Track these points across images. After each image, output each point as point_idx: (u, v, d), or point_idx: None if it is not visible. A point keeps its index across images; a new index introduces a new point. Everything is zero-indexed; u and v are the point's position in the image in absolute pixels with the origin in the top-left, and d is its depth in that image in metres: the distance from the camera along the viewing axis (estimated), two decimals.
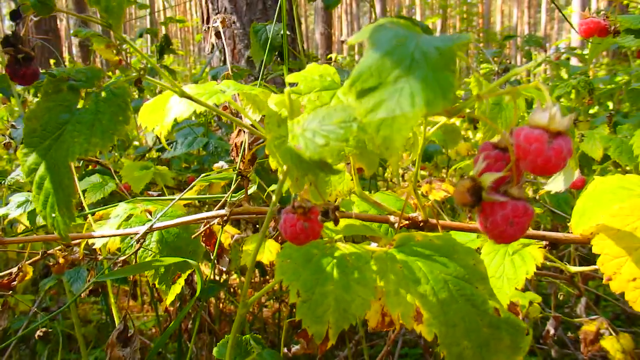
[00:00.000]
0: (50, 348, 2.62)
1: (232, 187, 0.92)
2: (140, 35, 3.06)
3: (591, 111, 3.13)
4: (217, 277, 2.04)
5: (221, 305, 2.49)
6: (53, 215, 0.51)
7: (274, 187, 1.26)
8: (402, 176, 3.28)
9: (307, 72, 0.65)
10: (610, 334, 1.51)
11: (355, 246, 0.58)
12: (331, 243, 0.58)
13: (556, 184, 0.71)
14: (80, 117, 0.52)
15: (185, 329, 1.59)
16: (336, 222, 0.49)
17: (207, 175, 1.04)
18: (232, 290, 2.62)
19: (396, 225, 0.82)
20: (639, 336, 2.40)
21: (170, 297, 1.00)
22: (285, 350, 1.48)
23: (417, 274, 0.56)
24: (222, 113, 0.70)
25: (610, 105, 3.03)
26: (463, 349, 0.54)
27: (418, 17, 19.63)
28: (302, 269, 0.54)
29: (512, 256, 0.97)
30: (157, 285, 0.98)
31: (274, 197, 0.54)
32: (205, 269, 1.62)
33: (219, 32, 1.09)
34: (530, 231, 0.85)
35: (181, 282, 1.02)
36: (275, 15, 1.32)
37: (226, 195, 0.93)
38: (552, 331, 1.61)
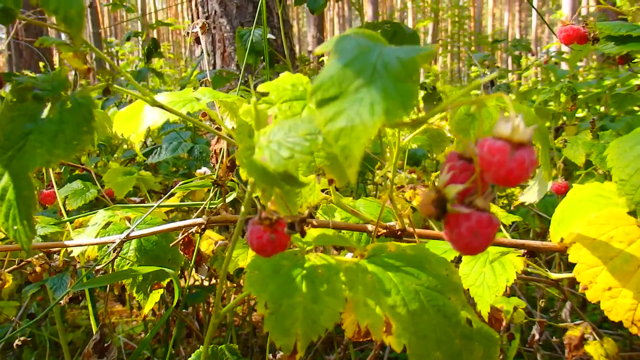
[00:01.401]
0: (37, 354, 2.59)
1: (210, 195, 0.91)
2: (128, 39, 3.05)
3: (580, 114, 3.15)
4: (206, 283, 2.03)
5: (211, 309, 2.47)
6: (15, 227, 0.50)
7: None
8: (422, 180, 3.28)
9: (279, 81, 0.65)
10: (595, 339, 1.51)
11: (326, 257, 0.57)
12: (302, 254, 0.58)
13: (530, 194, 0.71)
14: (44, 127, 0.51)
15: (170, 334, 1.58)
16: (302, 234, 0.48)
17: (186, 183, 1.03)
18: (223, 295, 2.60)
19: (374, 234, 0.81)
20: (627, 339, 2.41)
21: (148, 306, 0.99)
22: (271, 356, 1.47)
23: (388, 285, 0.55)
24: (195, 121, 0.69)
25: (602, 109, 3.05)
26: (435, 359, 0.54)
27: (410, 21, 19.71)
28: (270, 280, 0.53)
29: (492, 264, 0.96)
30: (134, 294, 0.97)
31: (242, 208, 0.54)
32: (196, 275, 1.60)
33: (199, 37, 1.09)
34: (509, 239, 0.85)
35: (160, 290, 1.01)
36: (256, 19, 1.32)
37: (204, 202, 0.92)
38: (537, 336, 1.61)
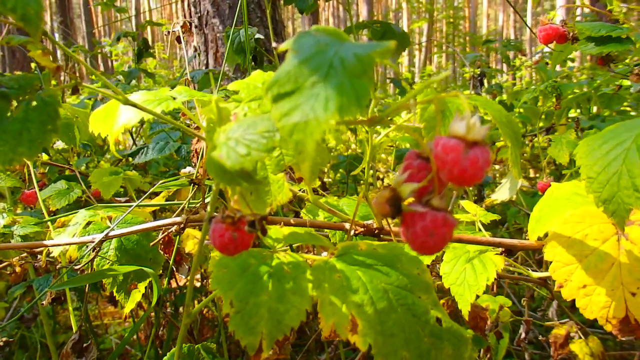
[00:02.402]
0: (27, 356, 2.58)
1: (190, 194, 0.91)
2: (118, 39, 3.04)
3: (573, 115, 3.15)
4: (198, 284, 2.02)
5: (205, 311, 2.47)
6: None
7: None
8: (382, 179, 3.28)
9: (250, 79, 0.65)
10: (580, 338, 1.51)
11: (294, 255, 0.57)
12: (271, 252, 0.58)
13: (502, 192, 0.71)
14: (8, 126, 0.51)
15: (157, 335, 1.57)
16: (263, 233, 0.48)
17: (165, 182, 1.02)
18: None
19: (351, 232, 0.81)
20: (617, 339, 2.42)
21: (129, 305, 0.99)
22: None
23: (356, 283, 0.55)
24: (169, 120, 0.69)
25: (595, 109, 3.05)
26: (401, 359, 0.54)
27: (405, 21, 19.71)
28: (237, 278, 0.53)
29: (473, 263, 0.97)
30: (115, 294, 0.97)
31: (208, 207, 0.53)
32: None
33: (179, 37, 1.08)
34: (487, 238, 0.85)
35: (141, 289, 1.01)
36: (243, 19, 1.31)
37: (184, 202, 0.92)
38: (523, 335, 1.61)
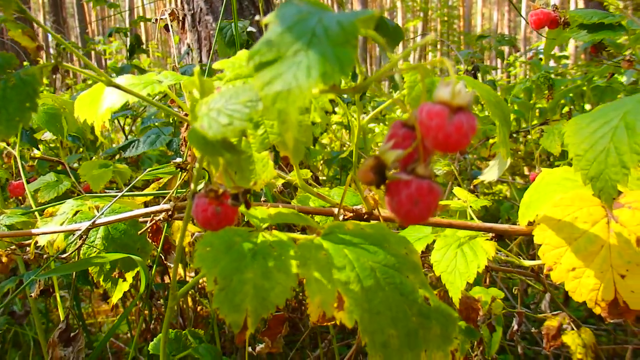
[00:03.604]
0: (21, 354, 2.56)
1: (178, 182, 0.90)
2: (110, 35, 3.02)
3: (566, 109, 3.16)
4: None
5: (199, 308, 2.45)
6: None
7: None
8: None
9: (236, 58, 0.64)
10: (573, 329, 1.51)
11: (280, 234, 0.56)
12: (256, 231, 0.57)
13: (490, 173, 0.71)
14: None
15: (148, 329, 1.56)
16: (247, 206, 0.47)
17: (153, 170, 1.01)
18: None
19: (341, 217, 0.81)
20: (611, 334, 2.42)
21: (117, 295, 0.98)
22: (250, 349, 1.46)
23: (342, 261, 0.55)
24: (154, 103, 0.68)
25: (588, 106, 3.05)
26: (388, 337, 0.53)
27: (399, 20, 19.72)
28: (222, 256, 0.52)
29: (463, 250, 0.96)
30: (101, 283, 0.95)
31: (192, 184, 0.53)
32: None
33: (168, 25, 1.07)
34: (477, 223, 0.85)
35: (129, 279, 1.00)
36: (221, 11, 1.31)
37: (172, 190, 0.91)
38: (515, 327, 1.61)
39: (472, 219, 0.90)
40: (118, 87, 0.66)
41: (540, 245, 0.74)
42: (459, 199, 0.97)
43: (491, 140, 2.79)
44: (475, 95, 0.61)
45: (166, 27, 1.13)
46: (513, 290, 1.56)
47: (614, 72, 1.39)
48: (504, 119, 0.62)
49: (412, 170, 0.40)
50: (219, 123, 0.42)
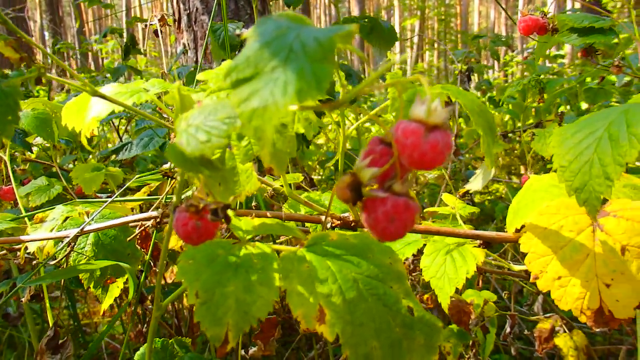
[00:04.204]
0: (16, 355, 2.56)
1: (167, 188, 0.90)
2: (104, 35, 3.01)
3: (562, 109, 3.16)
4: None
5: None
6: None
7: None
8: None
9: (220, 69, 0.64)
10: (565, 332, 1.52)
11: (263, 246, 0.56)
12: (239, 243, 0.57)
13: (475, 182, 0.71)
14: None
15: (140, 332, 1.56)
16: (227, 221, 0.47)
17: (141, 177, 1.01)
18: None
19: (328, 225, 0.81)
20: (606, 334, 2.42)
21: (107, 301, 0.98)
22: (243, 352, 1.46)
23: (324, 273, 0.55)
24: (140, 112, 0.68)
25: (585, 106, 3.06)
26: (371, 349, 0.53)
27: (396, 19, 19.71)
28: (204, 269, 0.52)
29: (453, 256, 0.96)
30: (92, 289, 0.95)
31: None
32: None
33: (157, 30, 1.07)
34: (465, 230, 0.85)
35: (120, 284, 0.99)
36: (216, 11, 1.30)
37: (161, 196, 0.91)
38: (508, 329, 1.61)
39: (463, 224, 0.90)
40: (103, 96, 0.66)
41: (526, 253, 0.74)
42: (447, 205, 0.97)
43: None
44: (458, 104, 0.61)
45: (155, 33, 1.13)
46: (508, 289, 1.56)
47: (604, 75, 1.40)
48: (488, 127, 0.62)
49: (389, 187, 0.41)
50: (197, 140, 0.42)
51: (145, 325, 1.60)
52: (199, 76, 0.63)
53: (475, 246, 0.88)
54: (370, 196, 0.40)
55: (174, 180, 0.86)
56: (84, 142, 0.73)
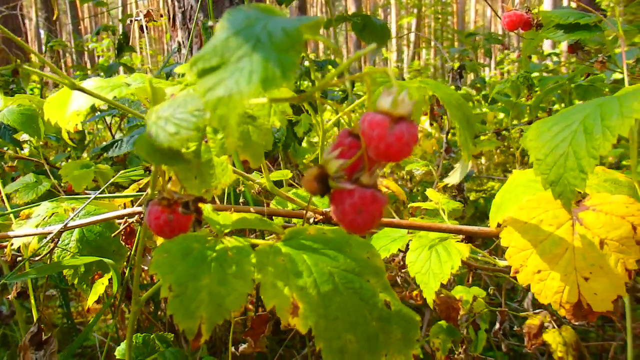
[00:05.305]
0: (9, 354, 2.55)
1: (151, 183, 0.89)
2: (97, 33, 3.00)
3: (556, 107, 3.17)
4: None
5: None
6: None
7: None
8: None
9: None
10: (554, 327, 1.52)
11: (239, 239, 0.56)
12: (216, 237, 0.57)
13: (453, 176, 0.71)
14: None
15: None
16: (199, 214, 0.47)
17: (126, 173, 1.01)
18: None
19: (311, 220, 0.81)
20: (599, 329, 2.43)
21: (92, 298, 0.98)
22: (233, 349, 1.46)
23: (300, 266, 0.55)
24: (120, 106, 0.67)
25: (577, 102, 3.06)
26: (346, 342, 0.53)
27: (393, 17, 19.70)
28: (178, 262, 0.52)
29: (438, 252, 0.96)
30: (76, 285, 0.95)
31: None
32: None
33: (142, 26, 1.06)
34: (447, 225, 0.85)
35: (104, 281, 0.99)
36: (211, 9, 1.29)
37: (146, 192, 0.91)
38: (498, 326, 1.62)
39: (446, 219, 0.90)
40: (82, 90, 0.66)
41: (507, 247, 0.75)
42: (431, 201, 0.97)
43: (482, 137, 2.80)
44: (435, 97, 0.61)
45: (141, 29, 1.12)
46: (489, 289, 1.57)
47: (589, 72, 1.40)
48: (466, 121, 0.62)
49: (357, 179, 0.41)
50: (166, 132, 0.42)
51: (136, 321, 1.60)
52: (178, 69, 0.63)
53: (458, 241, 0.89)
54: (338, 188, 0.40)
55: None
56: (65, 136, 0.73)
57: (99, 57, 5.96)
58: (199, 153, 0.56)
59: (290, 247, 0.57)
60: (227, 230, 0.59)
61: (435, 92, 0.61)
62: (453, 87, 2.11)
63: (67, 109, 0.75)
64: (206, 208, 0.61)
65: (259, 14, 0.42)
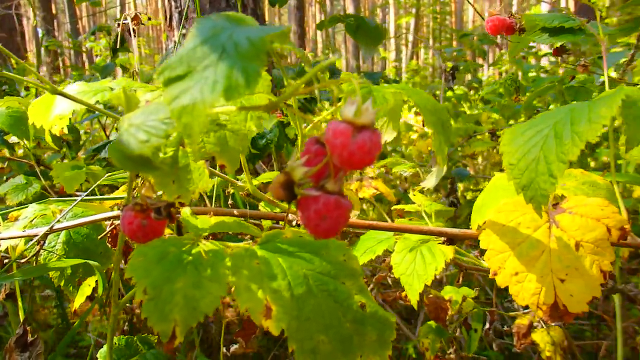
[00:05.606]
0: (3, 354, 2.55)
1: (139, 185, 0.90)
2: (93, 33, 3.00)
3: (552, 107, 3.18)
4: None
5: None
6: None
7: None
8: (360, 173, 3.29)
9: None
10: (542, 327, 1.53)
11: (216, 243, 0.57)
12: (193, 240, 0.58)
13: (429, 180, 0.72)
14: None
15: (123, 332, 1.57)
16: (171, 220, 0.48)
17: (112, 175, 1.02)
18: None
19: (294, 222, 0.81)
20: (594, 328, 2.44)
21: (79, 299, 0.98)
22: (225, 350, 1.47)
23: (275, 269, 0.56)
24: (102, 111, 0.68)
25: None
26: (318, 343, 0.54)
27: (391, 16, 19.70)
28: (154, 266, 0.53)
29: (422, 253, 0.97)
30: (62, 287, 0.96)
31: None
32: None
33: (129, 30, 1.07)
34: (429, 227, 0.86)
35: (91, 283, 1.00)
36: (207, 9, 1.30)
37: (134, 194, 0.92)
38: (487, 325, 1.63)
39: (429, 221, 0.91)
40: (63, 95, 0.67)
41: (485, 250, 0.76)
42: (413, 203, 0.98)
43: (478, 137, 2.81)
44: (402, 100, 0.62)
45: (128, 32, 1.13)
46: (474, 289, 1.58)
47: (574, 74, 1.41)
48: (441, 126, 0.63)
49: (322, 186, 0.42)
50: (136, 139, 0.43)
51: (126, 324, 1.61)
52: (156, 75, 0.64)
53: (439, 243, 0.90)
54: (304, 195, 0.41)
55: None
56: (48, 139, 0.74)
57: (96, 56, 5.96)
58: (176, 158, 0.57)
59: (266, 250, 0.58)
60: (205, 234, 0.60)
61: (410, 97, 0.62)
62: (444, 89, 2.12)
63: (50, 113, 0.76)
64: (184, 212, 0.62)
65: (226, 23, 0.43)
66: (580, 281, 0.68)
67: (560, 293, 0.69)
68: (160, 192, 0.55)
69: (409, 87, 0.65)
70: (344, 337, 0.57)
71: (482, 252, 0.77)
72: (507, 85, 1.51)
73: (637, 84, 1.25)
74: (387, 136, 0.72)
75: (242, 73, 0.39)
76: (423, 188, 0.78)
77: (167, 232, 1.33)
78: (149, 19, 1.12)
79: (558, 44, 1.21)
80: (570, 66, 2.16)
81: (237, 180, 0.95)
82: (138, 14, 1.07)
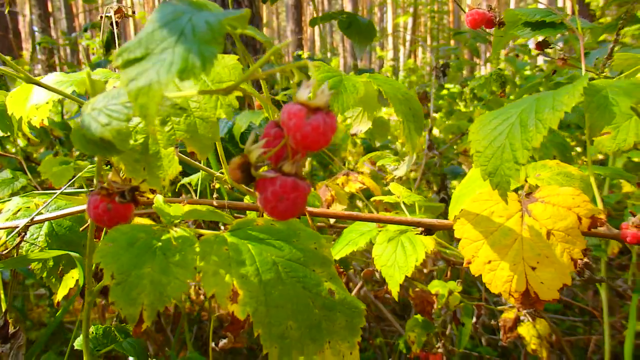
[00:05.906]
0: None
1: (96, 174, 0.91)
2: (85, 30, 3.00)
3: None
4: None
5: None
6: None
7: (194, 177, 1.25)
8: (348, 167, 3.29)
9: None
10: (529, 321, 1.54)
11: (186, 230, 0.58)
12: (163, 227, 0.58)
13: (400, 170, 0.73)
14: None
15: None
16: (136, 204, 0.49)
17: (93, 167, 1.02)
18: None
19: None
20: (587, 324, 2.45)
21: (61, 292, 0.99)
22: (214, 344, 1.48)
23: (244, 255, 0.56)
24: (77, 100, 0.69)
25: None
26: (286, 328, 0.55)
27: (389, 16, 19.73)
28: (123, 252, 0.54)
29: (403, 245, 0.98)
30: (44, 279, 0.96)
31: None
32: None
33: (113, 22, 1.08)
34: (407, 217, 0.87)
35: (75, 275, 1.00)
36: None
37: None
38: (474, 319, 1.63)
39: (406, 212, 0.92)
40: (39, 84, 0.67)
41: (460, 239, 0.76)
42: (393, 194, 0.99)
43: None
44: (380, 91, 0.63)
45: (111, 24, 1.14)
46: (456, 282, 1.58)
47: (555, 69, 1.42)
48: (411, 115, 0.63)
49: (279, 168, 0.42)
50: (98, 123, 0.43)
51: (115, 318, 1.61)
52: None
53: (417, 233, 0.90)
54: (261, 177, 0.42)
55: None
56: (25, 130, 0.74)
57: (93, 54, 5.96)
58: (147, 145, 0.57)
59: (237, 237, 0.59)
60: (177, 221, 0.61)
61: (381, 86, 0.63)
62: (434, 86, 2.13)
63: (27, 103, 0.76)
64: (157, 199, 0.63)
65: (186, 7, 0.44)
66: (550, 269, 0.69)
67: (531, 280, 0.70)
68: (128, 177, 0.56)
69: (380, 76, 0.66)
70: (312, 323, 0.58)
71: (458, 242, 0.78)
72: (492, 80, 1.52)
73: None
74: (362, 126, 0.72)
75: (199, 55, 0.39)
76: (395, 177, 0.79)
77: (148, 222, 1.34)
78: (134, 12, 1.13)
79: (539, 38, 1.22)
80: (554, 60, 2.17)
81: (223, 174, 0.95)
82: (121, 6, 1.07)
